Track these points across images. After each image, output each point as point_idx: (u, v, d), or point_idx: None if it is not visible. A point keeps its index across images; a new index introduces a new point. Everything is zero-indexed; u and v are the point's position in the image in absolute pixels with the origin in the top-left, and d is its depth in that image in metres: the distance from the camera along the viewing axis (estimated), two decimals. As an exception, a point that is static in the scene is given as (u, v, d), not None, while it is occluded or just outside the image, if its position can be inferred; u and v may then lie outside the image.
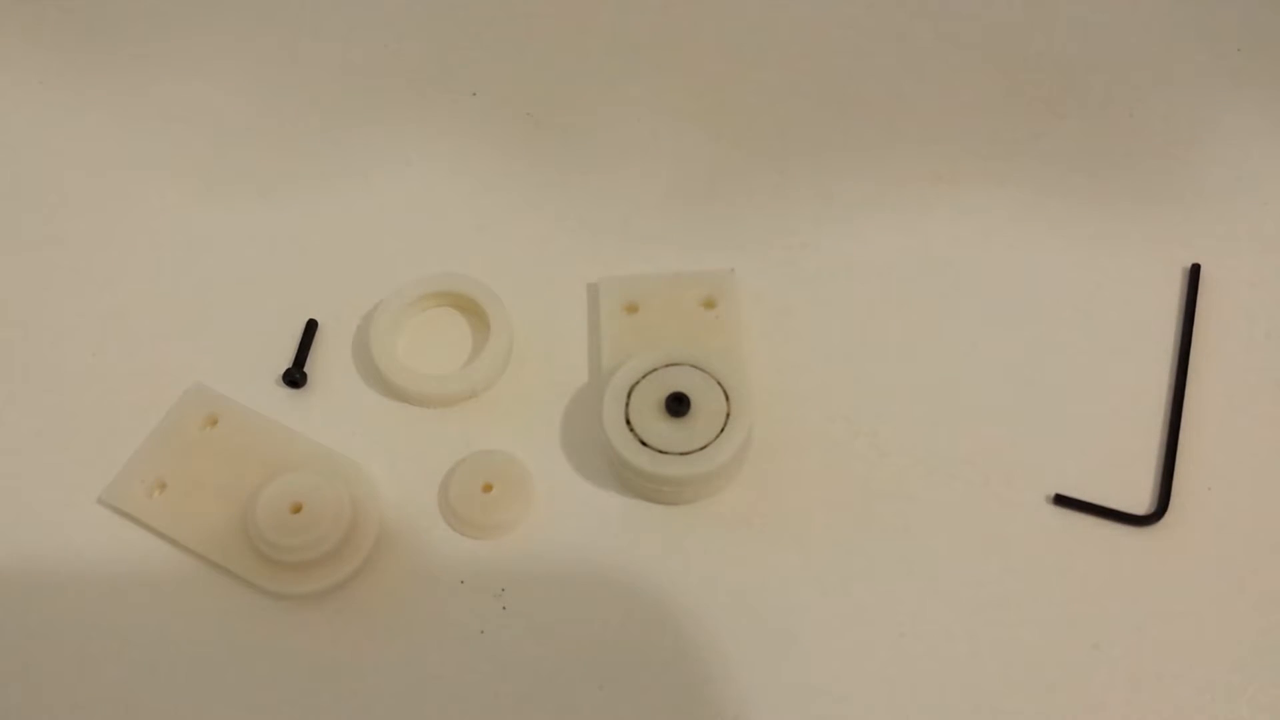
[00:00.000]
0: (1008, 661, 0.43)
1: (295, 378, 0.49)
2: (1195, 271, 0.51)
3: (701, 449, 0.44)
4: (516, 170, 0.55)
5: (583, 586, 0.45)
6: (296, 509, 0.44)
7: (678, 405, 0.44)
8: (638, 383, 0.45)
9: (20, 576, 0.45)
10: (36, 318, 0.51)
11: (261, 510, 0.44)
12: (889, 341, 0.50)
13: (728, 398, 0.45)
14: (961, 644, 0.43)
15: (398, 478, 0.47)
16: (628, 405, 0.45)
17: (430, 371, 0.48)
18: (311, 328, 0.50)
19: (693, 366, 0.46)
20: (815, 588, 0.44)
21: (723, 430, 0.44)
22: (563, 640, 0.44)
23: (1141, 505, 0.46)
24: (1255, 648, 0.43)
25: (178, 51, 0.59)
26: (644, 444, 0.44)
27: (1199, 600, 0.44)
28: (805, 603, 0.44)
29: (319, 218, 0.53)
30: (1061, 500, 0.46)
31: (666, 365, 0.46)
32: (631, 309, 0.50)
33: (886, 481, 0.46)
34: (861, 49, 0.58)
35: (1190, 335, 0.49)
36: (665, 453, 0.44)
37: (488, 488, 0.46)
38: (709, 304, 0.49)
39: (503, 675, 0.43)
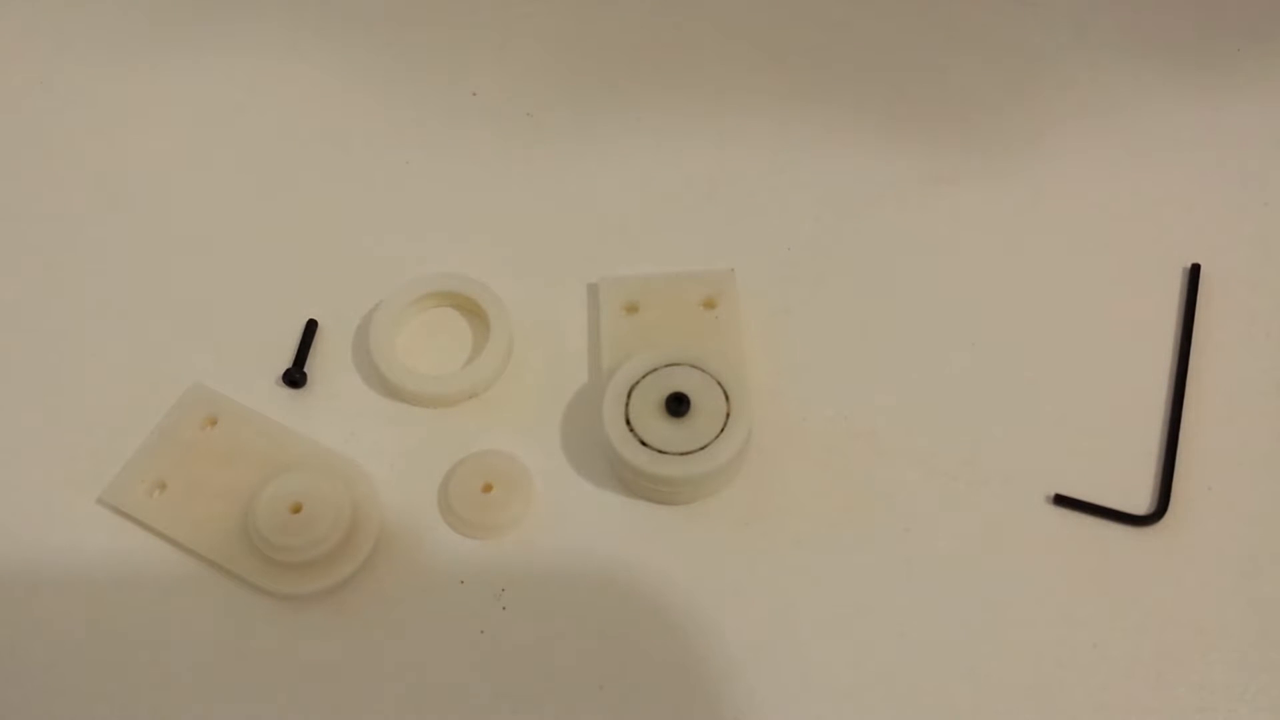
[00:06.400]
0: (1008, 661, 0.43)
1: (295, 378, 0.49)
2: (1195, 271, 0.51)
3: (701, 449, 0.44)
4: (516, 170, 0.55)
5: (583, 586, 0.45)
6: (296, 509, 0.44)
7: (678, 405, 0.44)
8: (638, 383, 0.45)
9: (20, 576, 0.45)
10: (37, 318, 0.51)
11: (261, 510, 0.44)
12: (888, 342, 0.50)
13: (728, 398, 0.45)
14: (961, 644, 0.43)
15: (398, 478, 0.47)
16: (628, 405, 0.45)
17: (430, 371, 0.48)
18: (311, 328, 0.50)
19: (693, 366, 0.46)
20: (815, 587, 0.44)
21: (723, 430, 0.44)
22: (563, 640, 0.44)
23: (1141, 505, 0.46)
24: (1255, 648, 0.43)
25: (177, 52, 0.59)
26: (644, 444, 0.44)
27: (1199, 600, 0.44)
28: (805, 602, 0.44)
29: (319, 217, 0.53)
30: (1061, 500, 0.46)
31: (666, 365, 0.46)
32: (631, 309, 0.49)
33: (886, 481, 0.46)
34: (861, 49, 0.58)
35: (1190, 335, 0.49)
36: (665, 453, 0.44)
37: (488, 488, 0.46)
38: (709, 304, 0.49)
39: (503, 675, 0.43)
